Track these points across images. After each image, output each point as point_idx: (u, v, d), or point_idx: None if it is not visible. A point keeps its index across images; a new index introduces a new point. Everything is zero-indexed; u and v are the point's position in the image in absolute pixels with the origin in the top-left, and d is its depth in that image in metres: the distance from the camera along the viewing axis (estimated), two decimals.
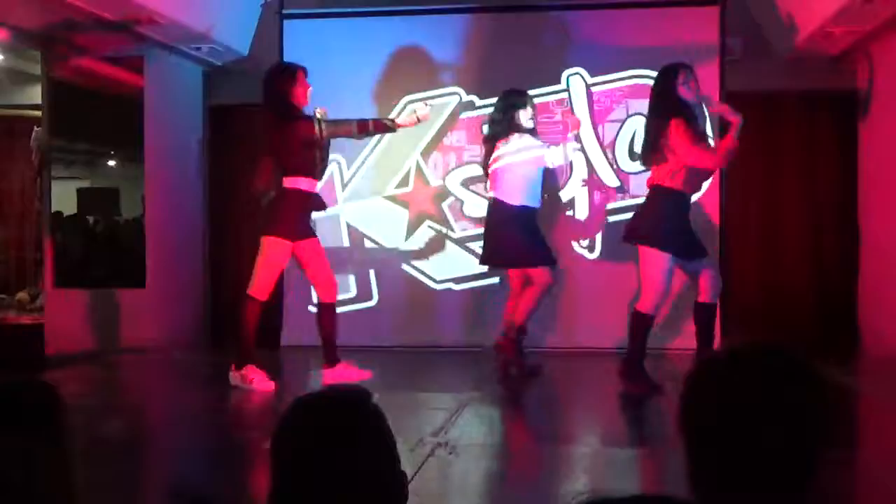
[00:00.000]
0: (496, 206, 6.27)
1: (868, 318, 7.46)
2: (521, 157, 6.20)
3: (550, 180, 7.05)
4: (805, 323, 7.60)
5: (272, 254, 5.89)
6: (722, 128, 5.99)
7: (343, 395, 1.51)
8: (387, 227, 7.68)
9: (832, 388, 1.29)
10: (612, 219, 7.42)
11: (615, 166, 7.47)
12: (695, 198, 6.02)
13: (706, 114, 5.78)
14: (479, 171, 7.62)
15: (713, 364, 1.34)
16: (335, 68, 7.62)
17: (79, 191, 9.32)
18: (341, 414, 1.46)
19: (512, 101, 6.32)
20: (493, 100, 7.54)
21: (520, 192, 6.19)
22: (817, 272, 7.79)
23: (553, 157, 6.27)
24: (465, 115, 7.67)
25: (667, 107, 5.58)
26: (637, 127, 7.47)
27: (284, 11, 7.84)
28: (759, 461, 1.25)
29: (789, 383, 1.28)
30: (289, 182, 5.85)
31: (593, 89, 7.51)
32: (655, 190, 5.66)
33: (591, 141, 7.48)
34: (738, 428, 1.26)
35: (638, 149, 7.47)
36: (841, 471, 3.70)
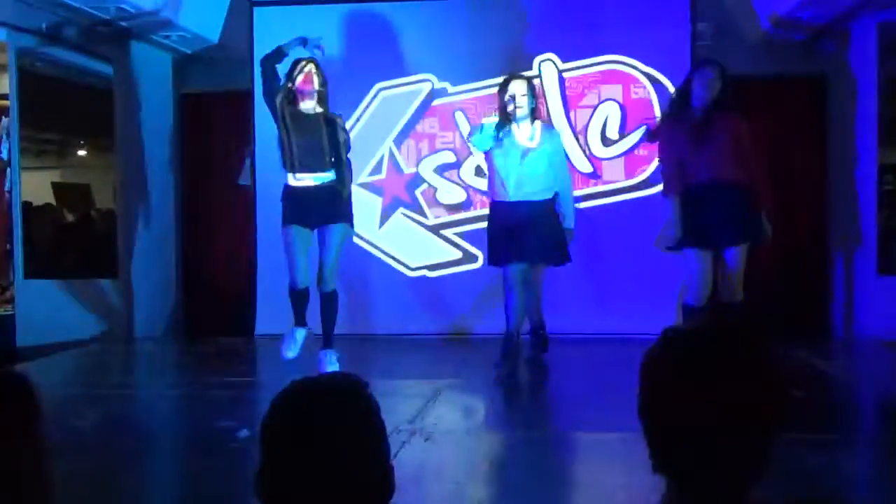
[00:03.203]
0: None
1: (838, 300, 7.55)
2: None
3: None
4: (776, 304, 7.67)
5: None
6: None
7: (339, 381, 1.50)
8: (360, 214, 7.64)
9: (800, 368, 1.31)
10: (584, 205, 7.45)
11: (588, 152, 7.50)
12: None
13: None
14: (452, 157, 7.65)
15: (667, 345, 1.35)
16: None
17: (53, 185, 9.20)
18: (336, 400, 1.46)
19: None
20: (466, 86, 7.59)
21: None
22: (787, 256, 7.85)
23: None
24: (437, 101, 7.66)
25: None
26: (609, 113, 7.51)
27: None
28: (712, 440, 1.26)
29: (739, 362, 1.29)
30: None
31: (565, 75, 7.53)
32: None
33: (563, 127, 7.50)
34: (690, 407, 1.27)
35: (610, 134, 7.52)
36: (811, 451, 3.75)
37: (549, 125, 6.13)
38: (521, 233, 5.85)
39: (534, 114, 5.97)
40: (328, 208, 5.94)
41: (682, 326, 1.38)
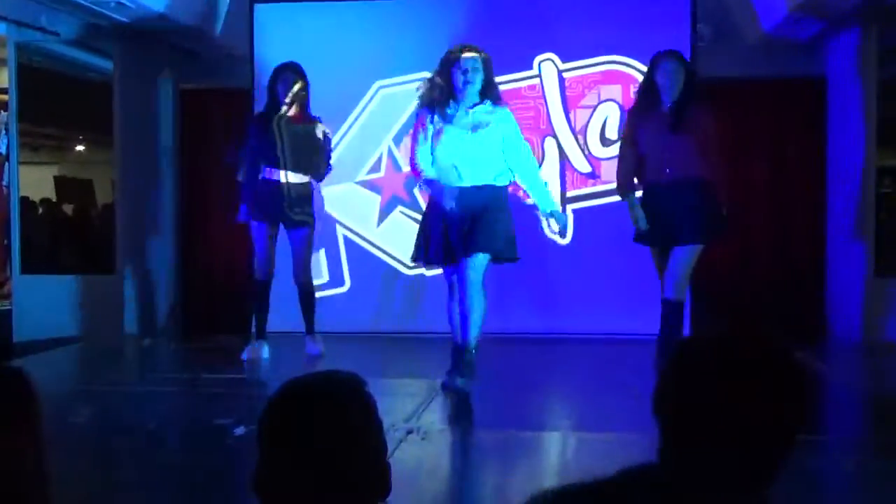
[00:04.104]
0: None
1: (834, 303, 7.55)
2: None
3: None
4: (772, 307, 7.69)
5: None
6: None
7: (336, 379, 1.50)
8: (358, 212, 7.67)
9: (807, 374, 1.31)
10: (583, 204, 7.45)
11: (587, 152, 7.49)
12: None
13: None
14: None
15: (693, 348, 1.35)
16: (306, 53, 7.59)
17: (56, 179, 9.18)
18: (333, 398, 1.45)
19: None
20: None
21: None
22: (785, 258, 7.86)
23: None
24: None
25: None
26: (609, 113, 7.50)
27: None
28: (733, 443, 1.26)
29: (768, 368, 1.29)
30: None
31: (565, 75, 7.53)
32: None
33: (562, 127, 7.50)
34: (714, 411, 1.27)
35: (609, 134, 7.51)
36: (807, 452, 3.75)
37: (497, 103, 5.39)
38: (461, 226, 5.19)
39: (486, 92, 5.33)
40: (300, 207, 6.47)
41: (712, 333, 1.38)
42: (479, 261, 5.13)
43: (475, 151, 5.26)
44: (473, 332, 5.17)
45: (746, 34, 7.59)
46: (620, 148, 6.03)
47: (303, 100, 6.48)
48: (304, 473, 1.39)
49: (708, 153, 5.50)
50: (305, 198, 6.50)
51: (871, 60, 6.90)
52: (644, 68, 7.40)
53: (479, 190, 5.23)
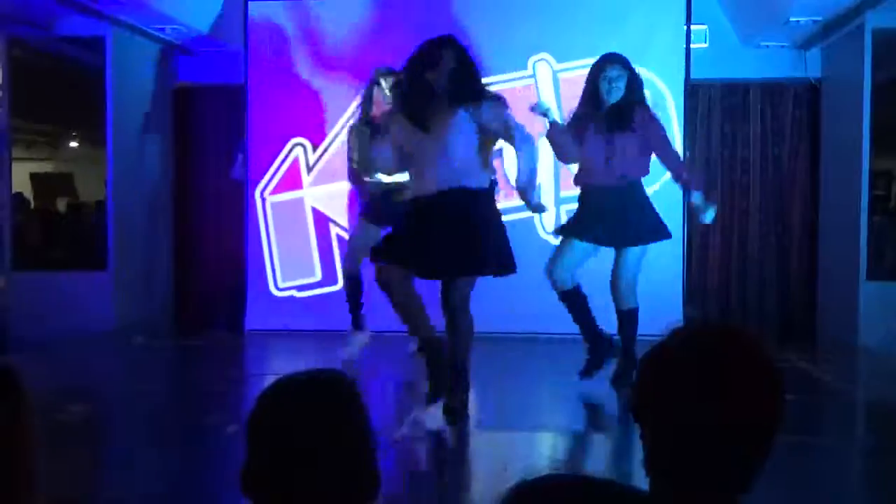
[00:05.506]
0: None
1: (826, 306, 7.56)
2: None
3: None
4: (765, 309, 7.70)
5: None
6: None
7: (324, 378, 1.49)
8: (352, 211, 7.65)
9: (789, 372, 1.30)
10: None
11: None
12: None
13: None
14: None
15: (666, 346, 1.34)
16: (300, 51, 7.59)
17: (32, 176, 9.12)
18: (320, 397, 1.44)
19: None
20: None
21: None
22: (779, 260, 7.87)
23: None
24: None
25: None
26: None
27: None
28: (712, 443, 1.25)
29: (742, 365, 1.28)
30: None
31: (559, 75, 7.52)
32: None
33: None
34: (690, 410, 1.26)
35: None
36: (799, 454, 3.75)
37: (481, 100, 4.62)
38: (438, 235, 4.65)
39: (461, 94, 4.52)
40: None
41: (685, 331, 1.36)
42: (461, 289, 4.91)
43: (450, 152, 4.57)
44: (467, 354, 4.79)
45: (742, 37, 7.60)
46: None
47: (370, 103, 6.37)
48: (290, 473, 1.38)
49: (654, 152, 5.46)
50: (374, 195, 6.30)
51: (865, 63, 6.91)
52: (640, 70, 7.41)
53: (452, 197, 4.61)
